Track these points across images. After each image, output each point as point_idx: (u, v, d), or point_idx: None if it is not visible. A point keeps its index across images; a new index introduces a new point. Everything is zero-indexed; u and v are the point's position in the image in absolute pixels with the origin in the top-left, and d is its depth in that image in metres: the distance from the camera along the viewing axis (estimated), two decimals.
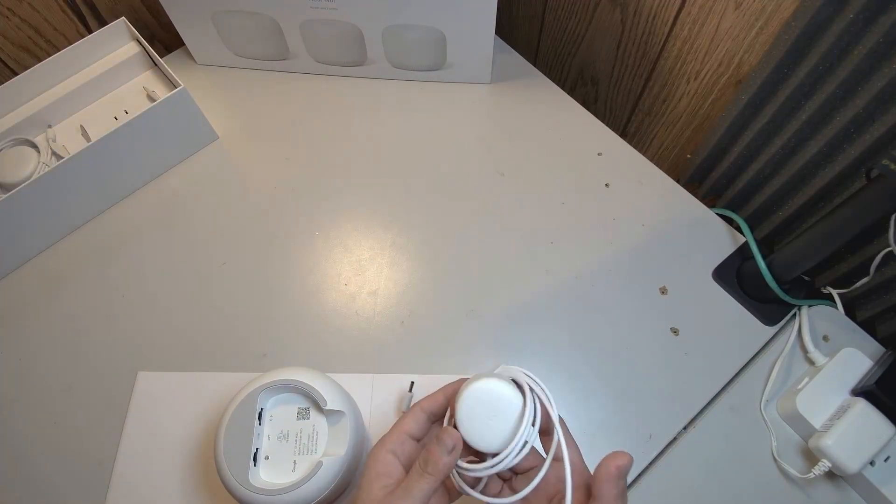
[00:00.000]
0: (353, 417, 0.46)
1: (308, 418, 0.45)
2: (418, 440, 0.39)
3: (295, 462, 0.44)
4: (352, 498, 0.37)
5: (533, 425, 0.37)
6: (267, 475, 0.44)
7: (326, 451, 0.45)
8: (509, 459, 0.36)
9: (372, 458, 0.37)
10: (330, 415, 0.45)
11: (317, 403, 0.45)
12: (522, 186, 0.64)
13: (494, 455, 0.37)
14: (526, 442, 0.36)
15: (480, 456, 0.38)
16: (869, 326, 0.57)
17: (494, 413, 0.36)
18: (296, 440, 0.45)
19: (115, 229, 0.63)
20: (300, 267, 0.60)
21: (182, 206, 0.64)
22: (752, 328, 0.56)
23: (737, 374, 0.55)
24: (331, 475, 0.43)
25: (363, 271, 0.60)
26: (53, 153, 0.62)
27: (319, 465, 0.42)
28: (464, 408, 0.37)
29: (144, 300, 0.59)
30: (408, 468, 0.37)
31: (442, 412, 0.40)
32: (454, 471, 0.37)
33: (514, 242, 0.61)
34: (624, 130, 0.81)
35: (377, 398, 0.53)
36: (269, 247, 0.61)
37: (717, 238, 0.61)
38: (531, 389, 0.37)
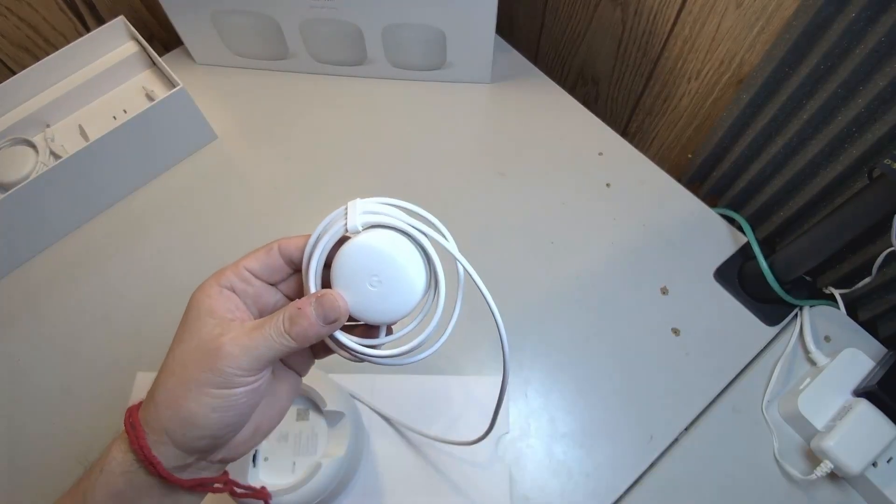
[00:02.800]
0: (353, 418, 0.46)
1: (307, 419, 0.45)
2: (272, 285, 0.31)
3: (294, 463, 0.44)
4: (171, 346, 0.29)
5: (436, 287, 0.30)
6: (266, 476, 0.43)
7: (326, 451, 0.44)
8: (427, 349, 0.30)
9: (201, 292, 0.29)
10: (329, 416, 0.45)
11: (316, 404, 0.45)
12: (522, 186, 0.64)
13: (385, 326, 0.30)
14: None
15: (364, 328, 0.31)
16: (871, 327, 0.57)
17: (377, 276, 0.29)
18: (295, 441, 0.44)
19: (114, 229, 0.63)
20: None
21: (181, 206, 0.64)
22: (753, 328, 0.56)
23: (738, 375, 0.54)
24: (330, 476, 0.42)
25: None
26: (52, 153, 0.62)
27: (319, 466, 0.42)
28: (340, 276, 0.29)
29: (143, 301, 0.59)
30: (254, 311, 0.30)
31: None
32: (348, 343, 0.30)
33: (514, 243, 0.61)
34: (625, 130, 0.81)
35: (378, 399, 0.52)
36: None
37: (719, 238, 0.61)
38: (420, 240, 0.29)
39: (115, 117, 0.65)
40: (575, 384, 0.54)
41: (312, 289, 0.29)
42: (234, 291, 0.29)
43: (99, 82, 0.65)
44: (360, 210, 0.29)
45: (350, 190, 0.64)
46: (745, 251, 0.59)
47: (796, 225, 0.59)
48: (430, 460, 0.50)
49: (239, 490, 0.32)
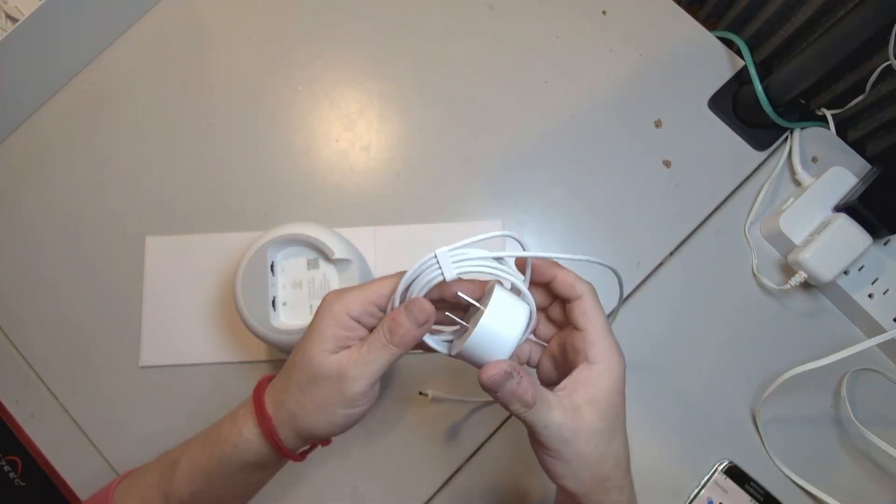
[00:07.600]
0: (360, 264, 0.48)
1: (318, 268, 0.48)
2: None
3: (311, 306, 0.47)
4: (297, 353, 0.35)
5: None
6: (287, 318, 0.47)
7: None
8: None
9: (331, 315, 0.34)
10: (338, 263, 0.47)
11: (324, 254, 0.47)
12: (513, 19, 0.60)
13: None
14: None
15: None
16: (859, 146, 0.57)
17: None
18: (309, 287, 0.48)
19: (89, 97, 0.60)
20: (287, 125, 0.59)
21: (150, 68, 0.60)
22: (743, 154, 0.57)
23: (724, 200, 0.56)
24: None
25: (353, 126, 0.59)
26: (7, 16, 0.57)
27: None
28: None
29: (135, 167, 0.58)
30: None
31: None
32: (437, 347, 0.36)
33: (507, 84, 0.59)
34: None
35: (380, 248, 0.55)
36: (252, 105, 0.59)
37: (716, 64, 0.59)
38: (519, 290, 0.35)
39: None
40: (568, 221, 0.56)
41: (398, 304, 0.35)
42: (360, 322, 0.34)
43: None
44: (450, 259, 0.33)
45: (328, 35, 0.61)
46: (740, 77, 0.58)
47: (795, 46, 0.57)
48: None
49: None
